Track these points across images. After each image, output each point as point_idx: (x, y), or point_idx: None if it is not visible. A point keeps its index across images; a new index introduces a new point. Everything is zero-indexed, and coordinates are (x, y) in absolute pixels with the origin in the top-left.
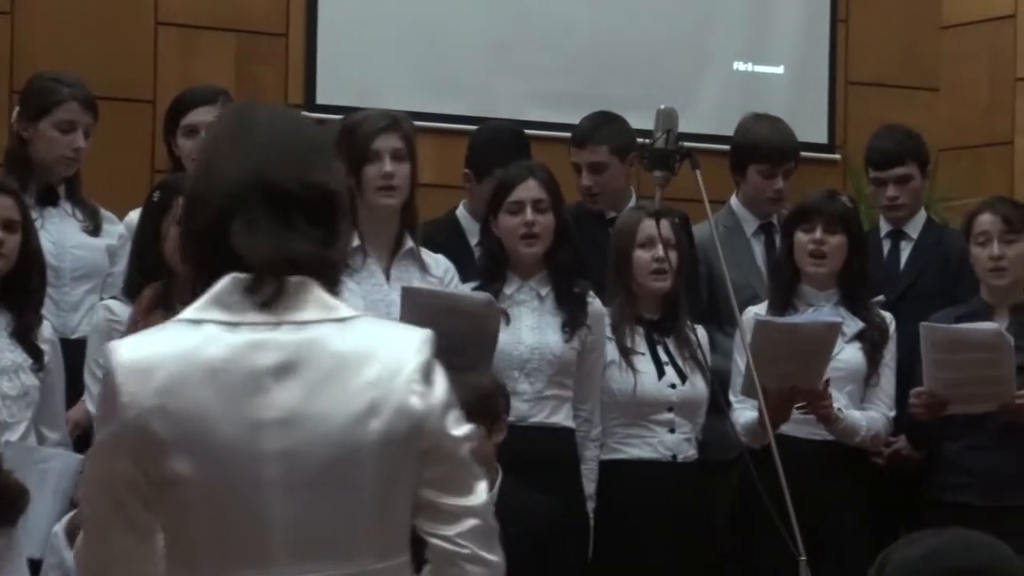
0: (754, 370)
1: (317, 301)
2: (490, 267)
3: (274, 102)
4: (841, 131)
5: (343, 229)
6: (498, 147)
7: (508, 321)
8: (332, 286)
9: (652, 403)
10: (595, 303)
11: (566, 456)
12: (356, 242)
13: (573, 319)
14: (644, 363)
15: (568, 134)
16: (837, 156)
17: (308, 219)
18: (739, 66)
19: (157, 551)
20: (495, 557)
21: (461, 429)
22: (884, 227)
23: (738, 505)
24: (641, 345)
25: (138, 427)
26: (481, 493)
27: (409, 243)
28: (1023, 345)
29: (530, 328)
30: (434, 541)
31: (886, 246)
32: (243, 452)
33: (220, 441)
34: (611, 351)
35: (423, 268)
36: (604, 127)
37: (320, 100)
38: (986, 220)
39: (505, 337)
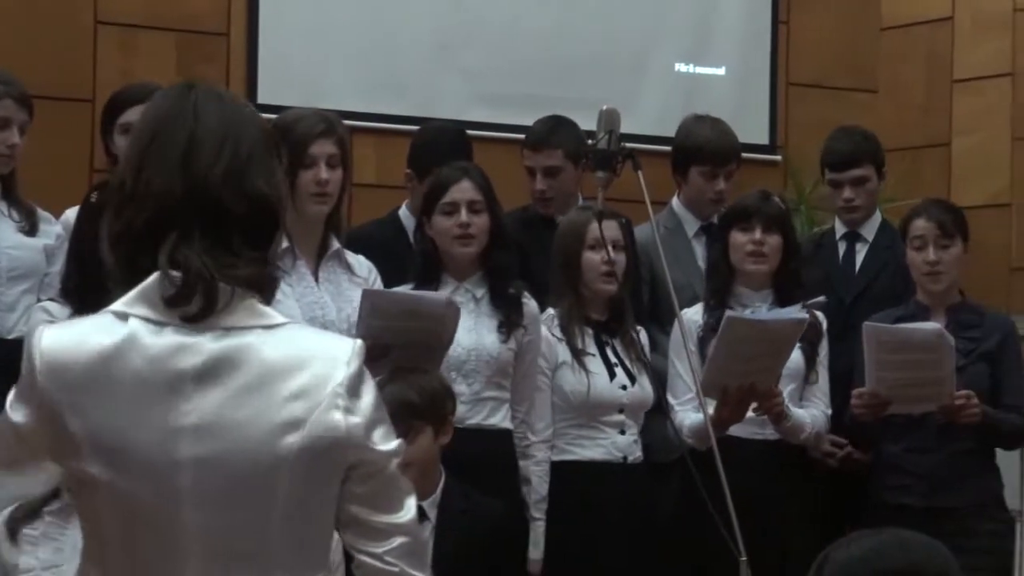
0: (718, 368)
1: (246, 307)
2: (425, 268)
3: (217, 87)
4: (782, 132)
5: (278, 238)
6: (440, 147)
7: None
8: (266, 298)
9: (604, 404)
10: (530, 304)
11: (504, 457)
12: (285, 243)
13: (509, 320)
14: (595, 364)
15: (510, 135)
16: (778, 157)
17: (247, 239)
18: (681, 67)
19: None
20: (422, 574)
21: (389, 444)
22: (839, 229)
23: (683, 506)
24: (591, 346)
25: (53, 416)
26: (410, 509)
27: (335, 245)
28: (959, 346)
29: (467, 330)
30: (362, 558)
31: (842, 248)
32: (157, 458)
33: (134, 445)
34: (562, 352)
35: (348, 269)
36: (559, 131)
37: (262, 99)
38: (921, 225)
39: None
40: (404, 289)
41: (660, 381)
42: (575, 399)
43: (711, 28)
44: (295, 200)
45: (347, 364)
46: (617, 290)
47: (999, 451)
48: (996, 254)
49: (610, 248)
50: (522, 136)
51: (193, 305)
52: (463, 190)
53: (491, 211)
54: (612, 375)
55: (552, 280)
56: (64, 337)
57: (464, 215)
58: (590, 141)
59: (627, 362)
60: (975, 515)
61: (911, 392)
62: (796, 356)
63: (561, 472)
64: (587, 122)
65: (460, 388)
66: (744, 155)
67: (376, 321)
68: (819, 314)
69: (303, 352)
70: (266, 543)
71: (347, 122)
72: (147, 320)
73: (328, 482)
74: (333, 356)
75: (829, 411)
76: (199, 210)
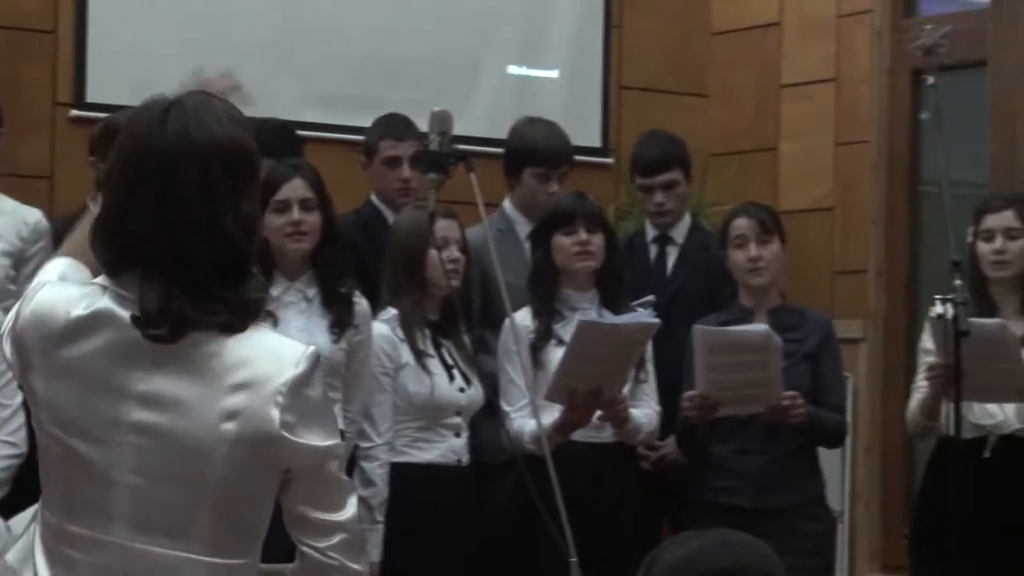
0: (568, 372)
1: None
2: (256, 268)
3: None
4: (615, 135)
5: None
6: (266, 143)
7: (276, 323)
8: (253, 320)
9: (445, 407)
10: (361, 303)
11: None
12: None
13: (341, 320)
14: (435, 366)
15: (345, 136)
16: (610, 160)
17: (225, 280)
18: (513, 70)
19: None
20: (359, 567)
21: (323, 442)
22: (650, 232)
23: (515, 508)
24: (429, 348)
25: (23, 365)
26: (350, 507)
27: None
28: (783, 347)
29: (298, 330)
30: (306, 550)
31: (653, 251)
32: (102, 414)
33: (86, 404)
34: (405, 353)
35: None
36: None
37: (90, 98)
38: (742, 224)
39: None
40: None
41: (492, 383)
42: (418, 401)
43: (544, 30)
44: None
45: (295, 366)
46: (459, 289)
47: (822, 453)
48: (820, 258)
49: (455, 247)
50: (358, 137)
51: (162, 330)
52: (294, 188)
53: (323, 209)
54: (451, 377)
55: (391, 280)
56: (54, 295)
57: (296, 213)
58: (423, 143)
59: (461, 364)
60: (799, 515)
61: (740, 394)
62: None
63: (400, 474)
64: (420, 123)
65: None
66: (576, 158)
67: None
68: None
69: (257, 349)
70: (191, 521)
71: None
72: (121, 296)
73: (262, 475)
74: (283, 357)
75: (659, 409)
76: (176, 261)
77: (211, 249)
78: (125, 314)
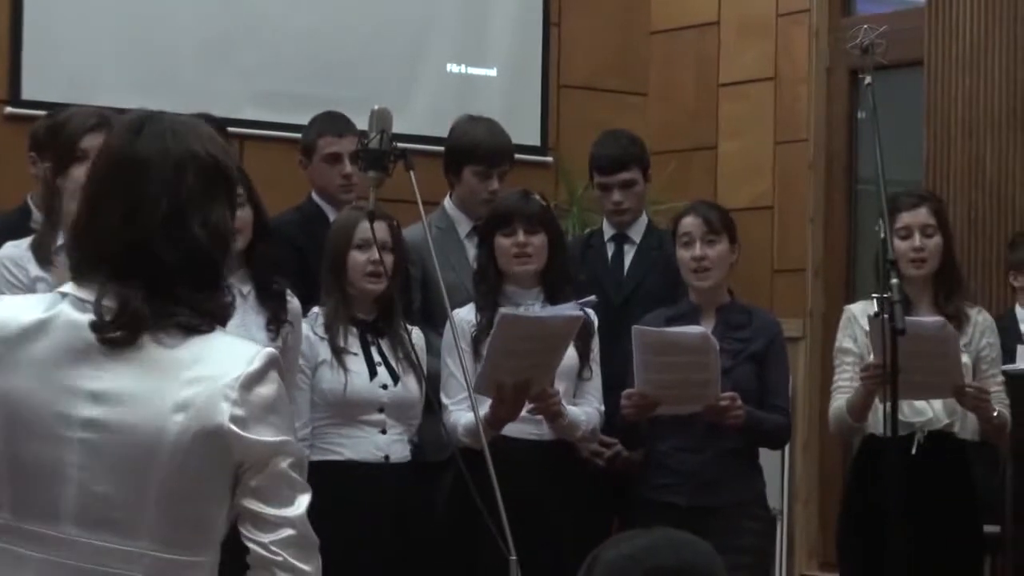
0: (493, 365)
1: None
2: None
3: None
4: (554, 133)
5: (226, 272)
6: None
7: None
8: (222, 322)
9: (363, 403)
10: (293, 301)
11: None
12: (60, 240)
13: (276, 317)
14: (356, 363)
15: (285, 134)
16: (549, 159)
17: (192, 285)
18: (452, 68)
19: None
20: (307, 567)
21: (272, 438)
22: (607, 231)
23: (455, 505)
24: (355, 345)
25: None
26: (300, 505)
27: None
28: (727, 347)
29: (235, 327)
30: (252, 547)
31: (610, 250)
32: (51, 411)
33: (39, 400)
34: (323, 351)
35: None
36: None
37: (26, 96)
38: (689, 222)
39: None
40: None
41: (433, 382)
42: (332, 397)
43: (483, 29)
44: (65, 196)
45: (248, 363)
46: (385, 290)
47: (762, 451)
48: (759, 255)
49: (378, 248)
50: (297, 135)
51: (117, 335)
52: None
53: (253, 204)
54: (373, 374)
55: (322, 279)
56: (11, 303)
57: None
58: (362, 141)
59: (392, 361)
60: (738, 514)
61: (678, 393)
62: (570, 353)
63: (321, 472)
64: (360, 121)
65: None
66: (516, 156)
67: None
68: (590, 312)
69: (213, 348)
70: (140, 516)
71: None
72: (78, 299)
73: (211, 470)
74: (238, 354)
75: (602, 407)
76: (142, 266)
77: (178, 251)
78: (81, 317)
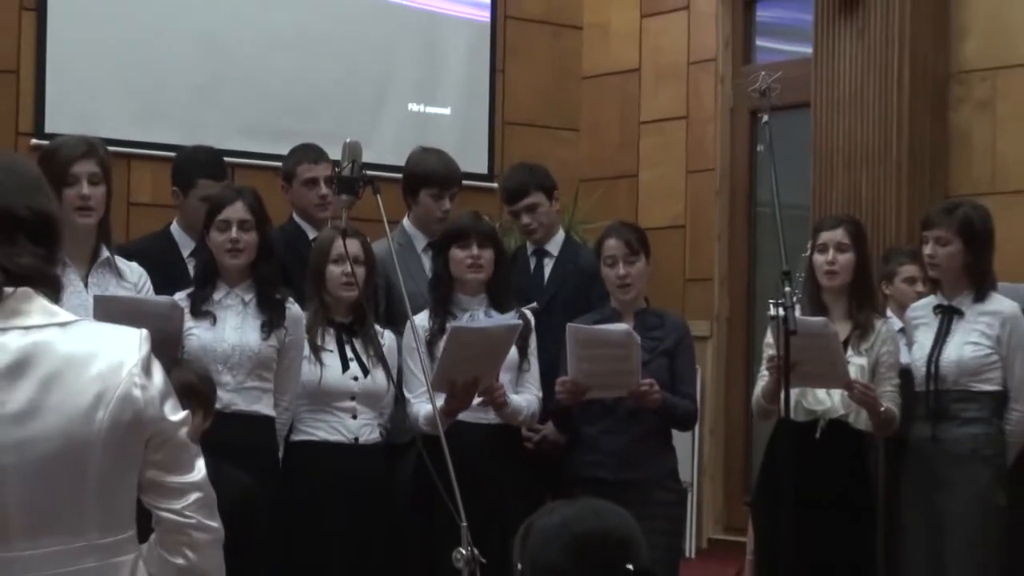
0: (446, 367)
1: (40, 308)
2: (203, 275)
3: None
4: (499, 163)
5: (59, 247)
6: (196, 164)
7: (215, 321)
8: (55, 296)
9: (335, 392)
10: (294, 308)
11: (264, 440)
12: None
13: (271, 321)
14: (331, 358)
15: (266, 162)
16: (495, 185)
17: (31, 238)
18: (413, 107)
19: None
20: (215, 523)
21: (178, 415)
22: (530, 247)
23: (416, 481)
24: (331, 343)
25: None
26: (200, 469)
27: (105, 253)
28: (644, 345)
29: (233, 328)
30: (162, 514)
31: (532, 262)
32: None
33: None
34: (305, 348)
35: (119, 275)
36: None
37: (49, 129)
38: (612, 245)
39: (210, 336)
40: (148, 290)
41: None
42: (309, 387)
43: (439, 74)
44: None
45: (138, 349)
46: (356, 297)
47: (675, 434)
48: (673, 268)
49: (351, 262)
50: (278, 164)
51: None
52: (236, 210)
53: (260, 229)
54: (346, 367)
55: (306, 288)
56: None
57: (235, 232)
58: (336, 169)
59: (364, 357)
60: (655, 487)
61: (605, 381)
62: (512, 349)
63: (299, 451)
64: (333, 152)
65: (226, 378)
66: (466, 182)
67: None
68: (529, 314)
69: (98, 342)
70: (80, 510)
71: (125, 150)
72: None
73: (132, 451)
74: (125, 343)
75: (540, 394)
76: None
77: (25, 210)
78: None
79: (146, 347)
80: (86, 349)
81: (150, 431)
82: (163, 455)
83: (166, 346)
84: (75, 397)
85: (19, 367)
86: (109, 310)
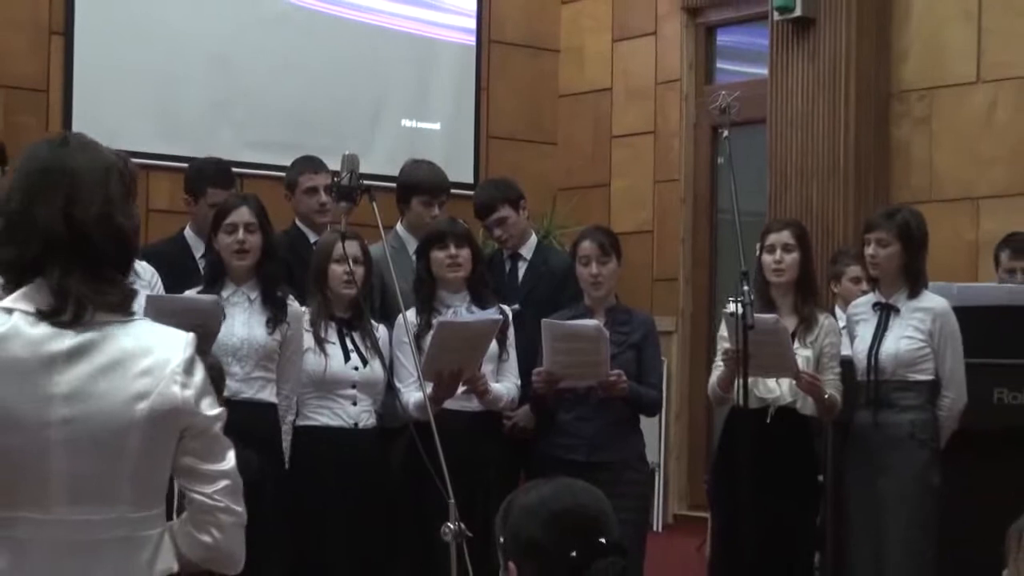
0: (433, 359)
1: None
2: (211, 275)
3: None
4: (483, 174)
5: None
6: (206, 174)
7: (224, 317)
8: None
9: (338, 381)
10: (294, 305)
11: (268, 426)
12: None
13: (275, 317)
14: (334, 350)
15: (272, 173)
16: None
17: (115, 266)
18: (406, 122)
19: None
20: (240, 508)
21: (214, 410)
22: (505, 251)
23: (408, 462)
24: (333, 336)
25: None
26: (231, 460)
27: None
28: (613, 338)
29: (241, 323)
30: (195, 496)
31: (508, 265)
32: (33, 419)
33: (14, 410)
34: (308, 340)
35: (136, 274)
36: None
37: None
38: (586, 246)
39: (220, 331)
40: (159, 287)
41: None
42: (314, 376)
43: (429, 92)
44: None
45: (183, 351)
46: (356, 294)
47: (643, 419)
48: (642, 269)
49: (351, 262)
50: (282, 174)
51: (66, 316)
52: (241, 214)
53: (264, 231)
54: (347, 358)
55: (307, 286)
56: None
57: (241, 234)
58: (335, 179)
59: (362, 349)
60: (624, 467)
61: (577, 371)
62: (492, 342)
63: (304, 434)
64: (332, 164)
65: (235, 369)
66: (453, 191)
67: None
68: (507, 309)
69: (150, 341)
70: (116, 486)
71: (146, 161)
72: (27, 314)
73: (167, 440)
74: (172, 344)
75: (519, 382)
76: (78, 251)
77: (107, 239)
78: (33, 331)
79: (190, 350)
80: (140, 345)
81: (185, 423)
82: (199, 445)
83: (204, 341)
84: (122, 386)
85: (79, 353)
86: (159, 307)
